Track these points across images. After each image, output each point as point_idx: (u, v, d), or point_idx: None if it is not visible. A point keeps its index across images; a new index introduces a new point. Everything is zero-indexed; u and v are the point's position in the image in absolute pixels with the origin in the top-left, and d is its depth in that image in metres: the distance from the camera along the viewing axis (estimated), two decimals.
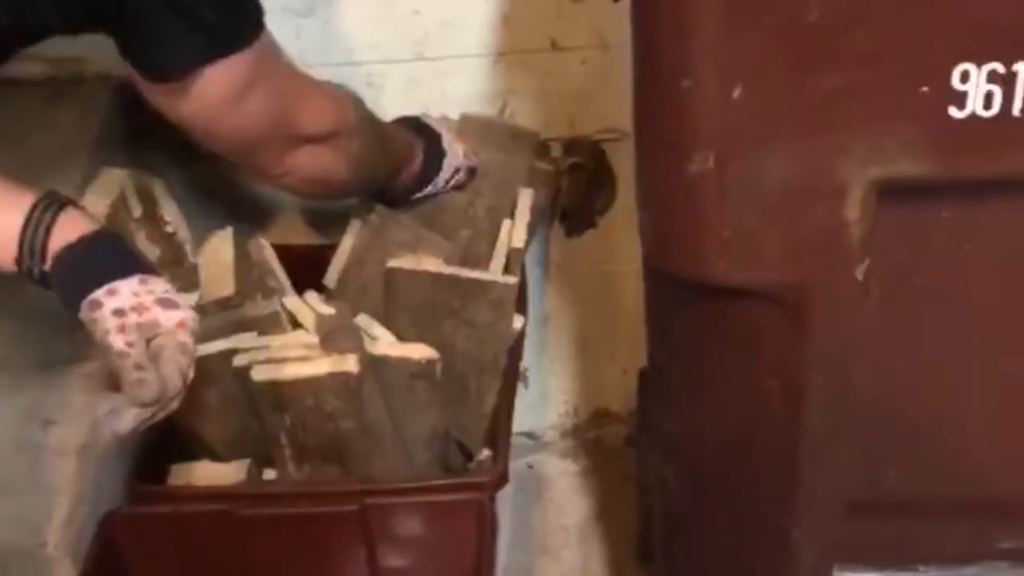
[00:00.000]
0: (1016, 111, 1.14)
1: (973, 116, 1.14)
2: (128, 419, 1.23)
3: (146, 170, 1.75)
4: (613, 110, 1.92)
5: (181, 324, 1.27)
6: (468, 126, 1.85)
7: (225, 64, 1.37)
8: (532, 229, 1.83)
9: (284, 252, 1.78)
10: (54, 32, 1.37)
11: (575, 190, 1.99)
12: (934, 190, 1.21)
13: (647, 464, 1.71)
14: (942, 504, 1.45)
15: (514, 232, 1.77)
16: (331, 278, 1.76)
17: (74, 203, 1.30)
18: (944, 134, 1.15)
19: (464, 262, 1.76)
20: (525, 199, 1.81)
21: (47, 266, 1.26)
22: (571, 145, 1.95)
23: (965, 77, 1.13)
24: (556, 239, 2.05)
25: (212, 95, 1.39)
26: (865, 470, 1.40)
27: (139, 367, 1.23)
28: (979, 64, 1.12)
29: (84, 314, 1.26)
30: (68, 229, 1.26)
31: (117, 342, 1.24)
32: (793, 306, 1.25)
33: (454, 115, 1.87)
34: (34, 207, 1.26)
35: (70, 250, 1.25)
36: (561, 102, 1.92)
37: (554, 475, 2.16)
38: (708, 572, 1.57)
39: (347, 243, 1.77)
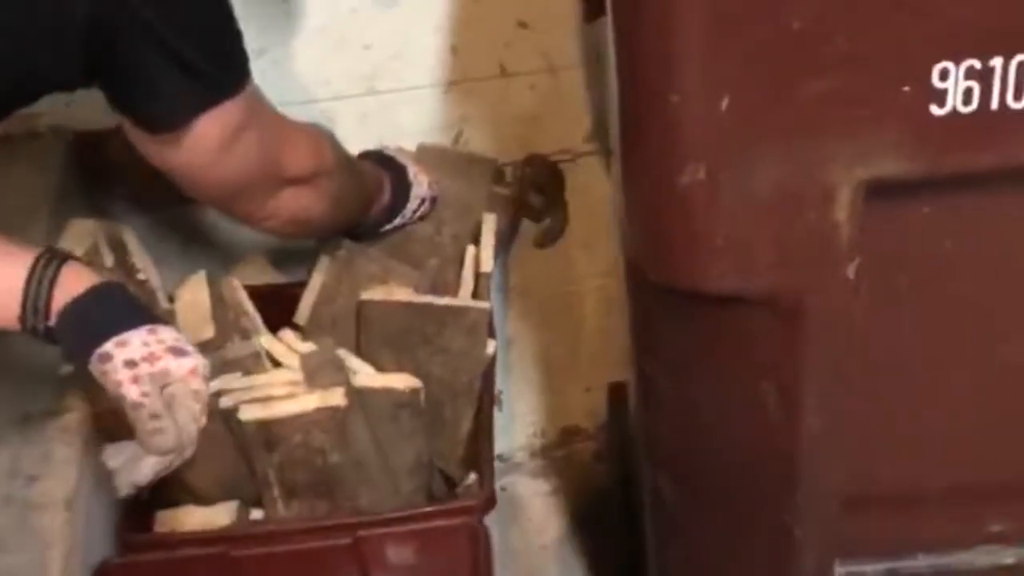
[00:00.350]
0: (994, 105, 1.17)
1: (954, 112, 1.17)
2: (146, 468, 1.24)
3: (108, 219, 1.75)
4: (565, 132, 1.95)
5: (192, 371, 1.28)
6: (426, 156, 1.85)
7: (218, 112, 1.36)
8: (496, 254, 1.84)
9: (252, 292, 1.77)
10: (51, 90, 1.37)
11: (542, 194, 2.00)
12: (918, 187, 1.24)
13: (628, 474, 1.73)
14: (936, 493, 1.48)
15: (481, 257, 1.79)
16: (302, 315, 1.76)
17: (74, 257, 1.30)
18: (927, 132, 1.18)
19: (434, 290, 1.77)
20: (489, 224, 1.83)
21: (51, 322, 1.25)
22: (528, 161, 1.97)
23: (944, 75, 1.15)
24: (514, 263, 2.07)
25: (206, 143, 1.39)
26: (862, 465, 1.43)
27: (155, 416, 1.23)
28: (957, 61, 1.15)
29: (94, 367, 1.26)
30: (71, 283, 1.26)
31: (131, 393, 1.24)
32: (786, 309, 1.28)
33: (408, 147, 1.87)
34: (36, 263, 1.26)
35: (76, 304, 1.25)
36: (513, 127, 1.94)
37: (528, 495, 2.17)
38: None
39: (317, 279, 1.76)
